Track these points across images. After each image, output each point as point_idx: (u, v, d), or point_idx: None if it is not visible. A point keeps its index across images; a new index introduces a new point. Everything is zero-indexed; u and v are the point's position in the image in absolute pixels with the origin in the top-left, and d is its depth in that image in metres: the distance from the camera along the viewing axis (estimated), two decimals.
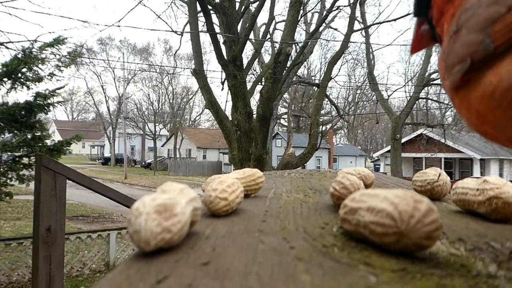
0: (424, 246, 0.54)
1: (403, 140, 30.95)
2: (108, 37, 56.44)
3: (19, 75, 11.28)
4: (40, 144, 11.18)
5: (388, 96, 33.11)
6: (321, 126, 19.69)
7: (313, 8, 22.41)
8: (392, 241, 0.55)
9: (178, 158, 52.46)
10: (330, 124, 33.11)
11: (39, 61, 11.68)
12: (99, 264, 9.73)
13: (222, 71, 13.35)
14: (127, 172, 38.48)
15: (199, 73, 12.91)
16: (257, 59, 18.96)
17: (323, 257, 0.55)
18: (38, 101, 11.29)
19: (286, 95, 31.28)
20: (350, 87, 50.76)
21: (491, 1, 0.54)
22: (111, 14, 71.43)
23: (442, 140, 27.90)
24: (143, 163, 56.70)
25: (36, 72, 11.79)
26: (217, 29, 13.22)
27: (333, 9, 16.92)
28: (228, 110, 14.31)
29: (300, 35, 24.90)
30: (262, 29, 19.82)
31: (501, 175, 34.92)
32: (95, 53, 49.54)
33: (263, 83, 15.05)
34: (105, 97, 56.65)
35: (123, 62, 52.92)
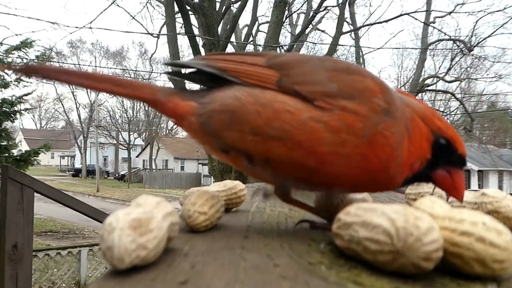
0: (423, 267, 0.54)
1: None
2: (79, 40, 56.01)
3: None
4: (6, 154, 11.12)
5: None
6: None
7: (299, 9, 22.50)
8: (387, 260, 0.55)
9: (154, 169, 52.21)
10: None
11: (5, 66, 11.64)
12: (69, 283, 9.65)
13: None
14: (99, 184, 38.27)
15: (176, 78, 12.85)
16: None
17: (310, 275, 0.55)
18: (4, 109, 11.24)
19: None
20: None
21: None
22: (83, 15, 71.24)
23: None
24: (117, 175, 56.32)
25: (2, 77, 11.73)
26: (196, 31, 13.19)
27: (321, 9, 16.97)
28: None
29: (285, 38, 24.90)
30: (244, 31, 19.89)
31: (500, 187, 34.95)
32: (65, 56, 49.12)
33: None
34: (76, 104, 56.23)
35: (95, 66, 52.70)
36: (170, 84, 19.36)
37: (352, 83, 0.79)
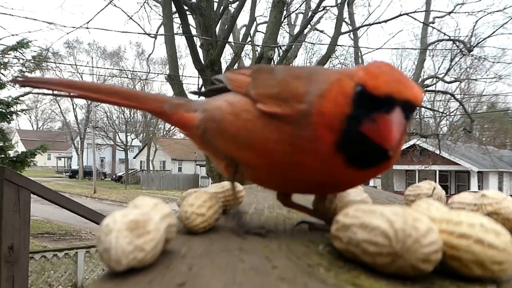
0: (421, 269, 0.54)
1: None
2: (76, 40, 55.89)
3: None
4: (2, 156, 11.10)
5: None
6: None
7: (297, 9, 22.44)
8: (386, 262, 0.55)
9: (151, 170, 52.08)
10: None
11: (1, 66, 11.63)
12: (66, 285, 9.62)
13: (199, 77, 13.28)
14: (96, 185, 38.21)
15: (174, 79, 12.81)
16: (236, 64, 18.98)
17: (308, 278, 0.55)
18: (0, 109, 11.22)
19: None
20: None
21: None
22: (79, 15, 71.11)
23: (437, 151, 27.84)
24: (114, 176, 56.10)
25: None
26: (194, 31, 13.16)
27: (319, 9, 16.96)
28: None
29: (283, 38, 24.84)
30: (242, 31, 19.79)
31: (500, 188, 34.76)
32: (62, 57, 48.93)
33: None
34: (73, 105, 56.07)
35: (92, 67, 52.51)
36: (167, 85, 19.20)
37: (287, 87, 0.79)
